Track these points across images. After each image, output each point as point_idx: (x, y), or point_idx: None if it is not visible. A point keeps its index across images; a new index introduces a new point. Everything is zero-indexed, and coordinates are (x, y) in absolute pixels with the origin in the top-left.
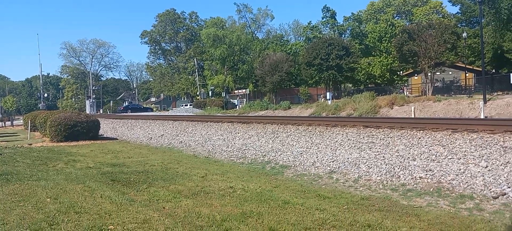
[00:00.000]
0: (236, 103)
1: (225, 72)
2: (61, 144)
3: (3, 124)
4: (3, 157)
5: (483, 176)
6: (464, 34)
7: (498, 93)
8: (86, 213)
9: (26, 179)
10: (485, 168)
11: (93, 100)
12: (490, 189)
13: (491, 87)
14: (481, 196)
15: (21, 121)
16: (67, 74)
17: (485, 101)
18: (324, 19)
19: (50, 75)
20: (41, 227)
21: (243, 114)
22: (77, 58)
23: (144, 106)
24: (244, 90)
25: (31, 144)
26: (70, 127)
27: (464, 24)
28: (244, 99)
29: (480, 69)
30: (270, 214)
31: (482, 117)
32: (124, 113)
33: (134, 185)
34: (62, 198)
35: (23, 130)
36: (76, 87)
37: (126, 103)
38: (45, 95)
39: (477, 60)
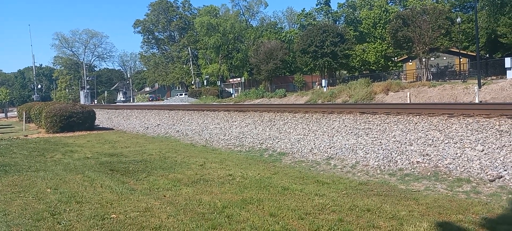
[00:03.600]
0: (231, 92)
1: (220, 60)
2: (57, 135)
3: None
4: None
5: (480, 160)
6: (458, 19)
7: (492, 78)
8: (88, 203)
9: (25, 170)
10: (482, 151)
11: (87, 91)
12: (487, 172)
13: (485, 72)
14: (478, 179)
15: (15, 113)
16: (60, 65)
17: (479, 86)
18: (318, 6)
19: (43, 66)
20: (44, 217)
21: (239, 103)
22: (70, 49)
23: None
24: (239, 79)
25: (27, 136)
26: (65, 118)
27: (458, 9)
28: (239, 88)
29: (474, 54)
30: (270, 200)
31: (477, 101)
32: (118, 104)
33: (133, 174)
34: (62, 188)
35: (18, 121)
36: (69, 78)
37: (121, 94)
38: (39, 86)
39: (471, 45)
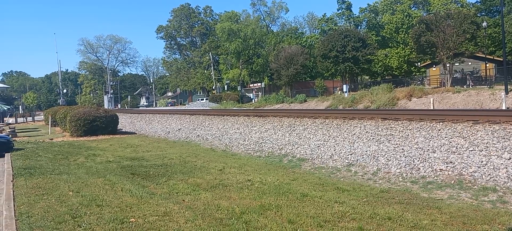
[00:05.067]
0: (251, 97)
1: (240, 66)
2: (81, 138)
3: (25, 119)
4: (26, 151)
5: (507, 168)
6: (484, 24)
7: None
8: (108, 206)
9: (49, 173)
10: (509, 160)
11: (111, 95)
12: None
13: None
14: (504, 188)
15: (42, 117)
16: (85, 70)
17: (506, 92)
18: (340, 11)
19: (68, 71)
20: (65, 219)
21: (259, 108)
22: (94, 54)
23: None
24: (259, 84)
25: (52, 139)
26: (89, 122)
27: (483, 13)
28: (260, 93)
29: (501, 59)
30: (289, 207)
31: (503, 107)
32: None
33: (153, 178)
34: (83, 191)
35: (44, 125)
36: (94, 82)
37: (144, 98)
38: (64, 91)
39: (497, 50)
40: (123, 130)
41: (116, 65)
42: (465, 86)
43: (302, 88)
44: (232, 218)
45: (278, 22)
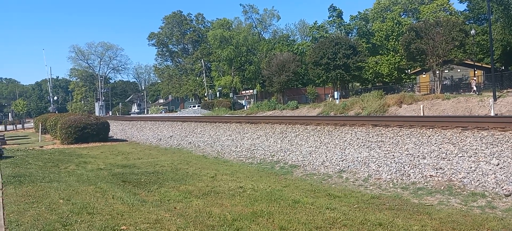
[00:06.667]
0: (243, 104)
1: (232, 73)
2: (72, 146)
3: (14, 127)
4: (15, 159)
5: (495, 174)
6: (473, 31)
7: (508, 90)
8: (99, 214)
9: (39, 180)
10: (497, 165)
11: (102, 102)
12: (502, 187)
13: (501, 85)
14: (493, 194)
15: (32, 124)
16: (76, 77)
17: (495, 99)
18: (331, 19)
19: (59, 78)
20: (55, 228)
21: (251, 115)
22: (85, 61)
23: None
24: (251, 91)
25: (42, 146)
26: (80, 129)
27: (472, 21)
28: (252, 100)
29: (489, 66)
30: (280, 214)
31: (492, 114)
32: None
33: (145, 185)
34: (74, 199)
35: (34, 132)
36: (85, 90)
37: (135, 105)
38: (55, 98)
39: (486, 58)
40: (114, 137)
41: (107, 72)
42: (476, 93)
43: (294, 95)
44: (224, 225)
45: (270, 29)
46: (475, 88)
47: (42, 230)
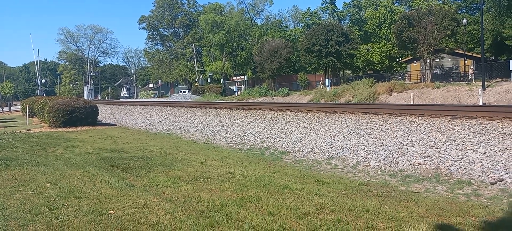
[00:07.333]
0: (234, 90)
1: (224, 58)
2: (60, 129)
3: (1, 109)
4: (1, 142)
5: (481, 162)
6: (464, 21)
7: (497, 80)
8: (86, 198)
9: (25, 164)
10: (483, 154)
11: (91, 86)
12: (488, 175)
13: (490, 74)
14: (479, 182)
15: (19, 107)
16: (65, 60)
17: (484, 88)
18: (324, 5)
19: (47, 61)
20: (42, 211)
21: (241, 101)
22: (74, 44)
23: None
24: (242, 77)
25: (29, 130)
26: (68, 113)
27: (464, 10)
28: (243, 86)
29: (480, 56)
30: (269, 199)
31: (480, 103)
32: (122, 100)
33: (133, 170)
34: (61, 183)
35: (21, 115)
36: (74, 73)
37: (125, 90)
38: (43, 81)
39: (476, 47)
40: (103, 122)
41: (97, 55)
42: (466, 81)
43: (285, 82)
44: (212, 210)
45: (262, 15)
46: (472, 77)
47: (29, 214)
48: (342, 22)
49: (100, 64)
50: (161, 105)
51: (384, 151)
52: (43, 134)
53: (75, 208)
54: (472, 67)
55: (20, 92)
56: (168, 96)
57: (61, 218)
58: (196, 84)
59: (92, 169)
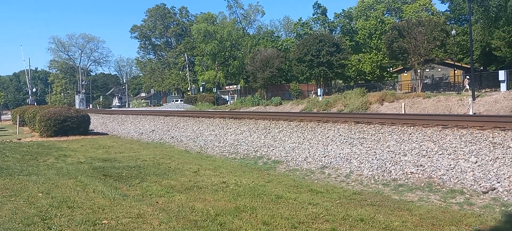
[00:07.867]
0: (227, 99)
1: (216, 68)
2: (51, 139)
3: None
4: None
5: (473, 171)
6: (453, 32)
7: (486, 90)
8: (79, 208)
9: (17, 173)
10: (475, 163)
11: (83, 95)
12: (480, 184)
13: (479, 84)
14: (471, 191)
15: (9, 116)
16: (56, 69)
17: (473, 98)
18: (315, 16)
19: (38, 70)
20: (34, 221)
21: (234, 110)
22: (66, 53)
23: None
24: (235, 86)
25: (20, 139)
26: (60, 122)
27: (453, 21)
28: (235, 95)
29: (469, 66)
30: (263, 209)
31: (471, 113)
32: (113, 109)
33: (126, 180)
34: (54, 193)
35: (12, 124)
36: (65, 82)
37: (116, 99)
38: (34, 90)
39: (465, 58)
40: (95, 131)
41: (88, 64)
42: (457, 91)
43: (277, 91)
44: (206, 220)
45: (254, 25)
46: (468, 86)
47: (21, 224)
48: (333, 32)
49: (91, 73)
50: (154, 115)
51: (377, 160)
52: (34, 143)
53: (68, 218)
54: (468, 77)
55: (10, 101)
56: (161, 105)
57: (54, 228)
58: (189, 93)
59: (85, 179)
